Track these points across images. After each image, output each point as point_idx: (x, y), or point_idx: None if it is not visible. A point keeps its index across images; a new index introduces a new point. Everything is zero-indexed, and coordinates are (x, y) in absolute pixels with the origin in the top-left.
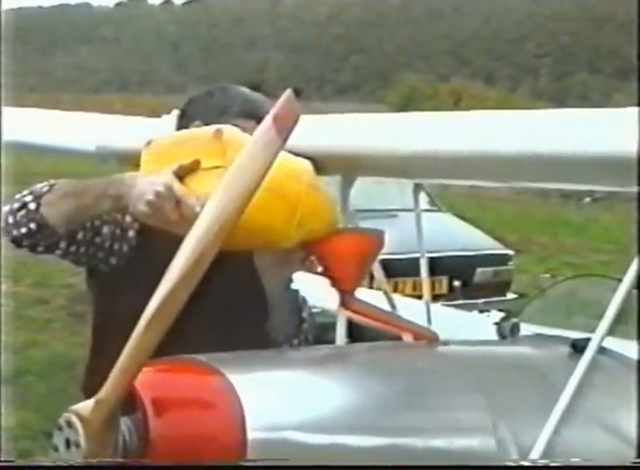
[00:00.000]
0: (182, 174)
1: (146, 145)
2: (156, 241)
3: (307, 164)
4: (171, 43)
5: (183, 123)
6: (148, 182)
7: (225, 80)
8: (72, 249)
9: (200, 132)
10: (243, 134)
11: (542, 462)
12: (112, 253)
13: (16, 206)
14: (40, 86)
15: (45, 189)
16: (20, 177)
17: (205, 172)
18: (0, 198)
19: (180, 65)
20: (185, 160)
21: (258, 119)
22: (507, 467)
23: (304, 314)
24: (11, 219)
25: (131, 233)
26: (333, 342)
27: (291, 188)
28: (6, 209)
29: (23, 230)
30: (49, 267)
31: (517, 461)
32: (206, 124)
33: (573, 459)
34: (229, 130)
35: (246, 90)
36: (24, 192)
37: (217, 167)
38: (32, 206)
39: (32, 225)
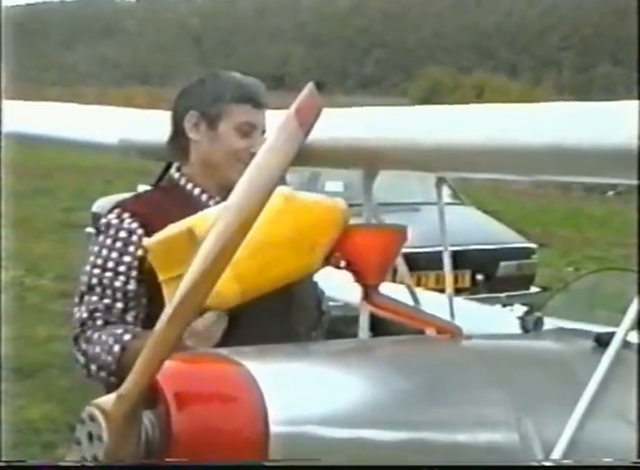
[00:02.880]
0: None
1: (146, 249)
2: None
3: (279, 192)
4: (194, 36)
5: (178, 115)
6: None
7: (247, 73)
8: None
9: (176, 234)
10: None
11: (542, 462)
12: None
13: (97, 378)
14: (62, 80)
15: (113, 367)
16: (43, 171)
17: None
18: (1, 190)
19: (203, 58)
20: (180, 265)
21: (253, 103)
22: (509, 467)
23: (323, 307)
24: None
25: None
26: (355, 335)
27: (287, 224)
28: (85, 374)
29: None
30: (72, 261)
31: (518, 461)
32: (202, 113)
33: (573, 459)
34: (200, 226)
35: (237, 75)
36: (93, 367)
37: None
38: (113, 379)
39: None
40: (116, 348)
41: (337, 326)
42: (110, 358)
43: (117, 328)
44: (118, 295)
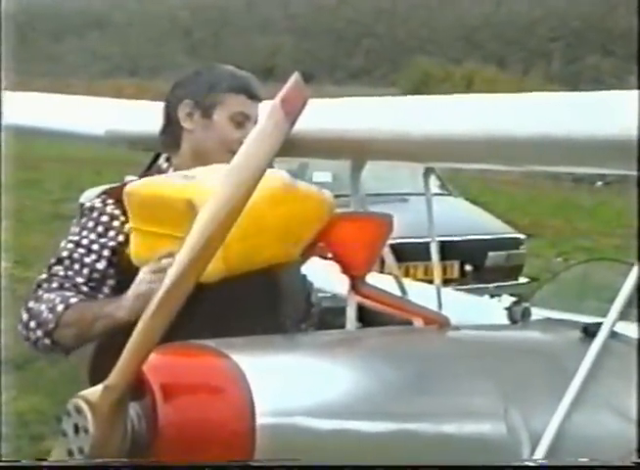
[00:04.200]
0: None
1: (125, 192)
2: None
3: (282, 177)
4: (183, 28)
5: (172, 105)
6: (131, 291)
7: (237, 65)
8: None
9: (173, 199)
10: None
11: (542, 462)
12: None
13: (32, 338)
14: (51, 71)
15: (52, 326)
16: (31, 162)
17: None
18: (1, 182)
19: (192, 49)
20: (160, 223)
21: (248, 94)
22: (507, 467)
23: (313, 299)
24: (32, 347)
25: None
26: (343, 327)
27: (278, 215)
28: (23, 334)
29: (52, 354)
30: None
31: (517, 461)
32: (196, 102)
33: (574, 459)
34: (200, 195)
35: (232, 68)
36: (32, 323)
37: None
38: (48, 341)
39: (54, 351)
40: (60, 307)
41: (324, 317)
42: (50, 316)
43: (69, 291)
44: (85, 271)
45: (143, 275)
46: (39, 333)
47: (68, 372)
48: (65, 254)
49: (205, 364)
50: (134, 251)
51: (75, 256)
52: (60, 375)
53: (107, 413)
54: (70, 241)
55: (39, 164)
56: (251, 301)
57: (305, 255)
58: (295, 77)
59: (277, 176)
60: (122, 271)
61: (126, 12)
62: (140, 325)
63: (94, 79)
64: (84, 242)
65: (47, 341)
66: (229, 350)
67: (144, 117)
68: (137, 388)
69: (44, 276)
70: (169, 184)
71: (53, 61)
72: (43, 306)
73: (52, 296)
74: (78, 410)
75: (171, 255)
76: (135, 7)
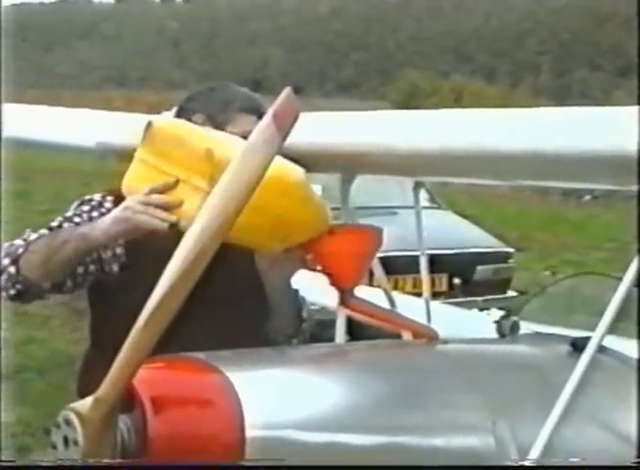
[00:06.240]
0: (157, 193)
1: (147, 126)
2: (148, 248)
3: (299, 175)
4: (172, 39)
5: (183, 117)
6: (112, 214)
7: (226, 77)
8: (63, 291)
9: (194, 145)
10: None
11: (542, 462)
12: (103, 273)
13: None
14: (40, 82)
15: (20, 251)
16: (20, 173)
17: (189, 190)
18: (0, 194)
19: (181, 61)
20: (168, 163)
21: (259, 115)
22: (507, 467)
23: (304, 314)
24: None
25: (119, 250)
26: (332, 339)
27: (279, 206)
28: None
29: (12, 292)
30: None
31: (516, 461)
32: (209, 116)
33: (573, 459)
34: (221, 150)
35: (245, 89)
36: (2, 254)
37: (201, 189)
38: (12, 269)
39: (19, 287)
40: (32, 236)
41: (314, 329)
42: (20, 242)
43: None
44: None
45: (130, 202)
46: (6, 261)
47: (55, 383)
48: (54, 224)
49: (196, 377)
50: (129, 180)
51: (65, 226)
52: (47, 386)
53: (97, 426)
54: (62, 216)
55: (27, 176)
56: (241, 315)
57: (295, 267)
58: (286, 92)
59: (295, 171)
60: (103, 265)
61: (115, 23)
62: (131, 338)
63: (83, 90)
64: (76, 219)
65: (12, 269)
66: (219, 363)
67: (134, 129)
68: (127, 400)
69: (28, 232)
70: (195, 131)
71: (42, 71)
72: (17, 241)
73: (28, 233)
74: (68, 422)
75: (165, 187)
76: (124, 18)
